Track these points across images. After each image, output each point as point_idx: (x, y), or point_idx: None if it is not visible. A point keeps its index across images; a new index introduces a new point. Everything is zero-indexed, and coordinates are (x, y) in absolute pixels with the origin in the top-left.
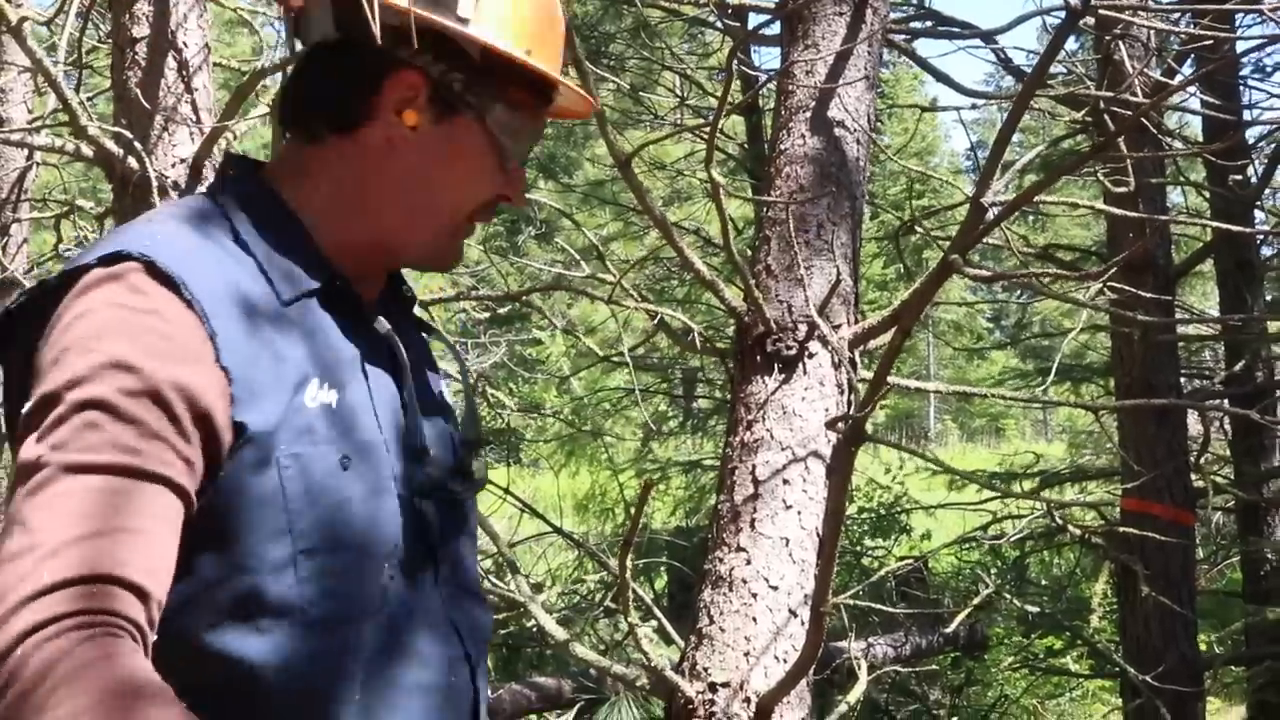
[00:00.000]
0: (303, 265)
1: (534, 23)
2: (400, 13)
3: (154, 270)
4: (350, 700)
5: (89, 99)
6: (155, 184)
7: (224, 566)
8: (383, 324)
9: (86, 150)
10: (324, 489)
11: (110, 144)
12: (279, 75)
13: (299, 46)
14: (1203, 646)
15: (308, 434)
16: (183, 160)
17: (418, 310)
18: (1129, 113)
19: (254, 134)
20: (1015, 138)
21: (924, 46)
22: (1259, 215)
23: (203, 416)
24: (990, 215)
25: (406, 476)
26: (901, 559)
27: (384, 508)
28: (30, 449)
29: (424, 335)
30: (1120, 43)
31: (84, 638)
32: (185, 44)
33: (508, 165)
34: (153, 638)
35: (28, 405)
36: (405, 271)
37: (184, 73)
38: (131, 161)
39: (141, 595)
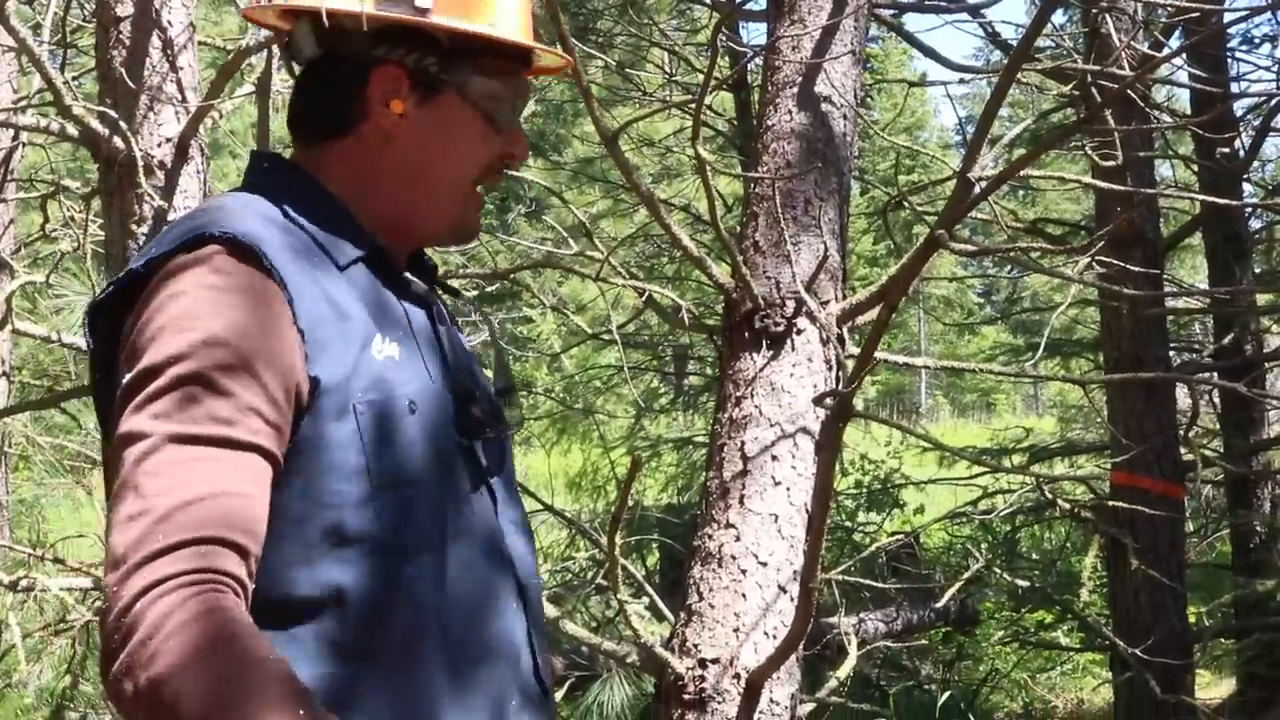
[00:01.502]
0: (348, 236)
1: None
2: (356, 18)
3: (235, 247)
4: (429, 620)
5: (74, 78)
6: (141, 163)
7: (310, 504)
8: (419, 285)
9: (72, 130)
10: (396, 431)
11: (95, 123)
12: (265, 54)
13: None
14: (1192, 619)
15: (379, 383)
16: (168, 139)
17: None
18: (1116, 85)
19: (240, 113)
20: (1004, 112)
21: (911, 21)
22: (1247, 188)
23: (286, 379)
24: (977, 190)
25: (458, 419)
26: (892, 534)
27: (445, 447)
28: (134, 419)
29: (444, 298)
30: (1107, 15)
31: (193, 594)
32: (169, 23)
33: (499, 127)
34: (251, 587)
35: (127, 378)
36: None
37: (169, 52)
38: (117, 141)
39: (242, 553)
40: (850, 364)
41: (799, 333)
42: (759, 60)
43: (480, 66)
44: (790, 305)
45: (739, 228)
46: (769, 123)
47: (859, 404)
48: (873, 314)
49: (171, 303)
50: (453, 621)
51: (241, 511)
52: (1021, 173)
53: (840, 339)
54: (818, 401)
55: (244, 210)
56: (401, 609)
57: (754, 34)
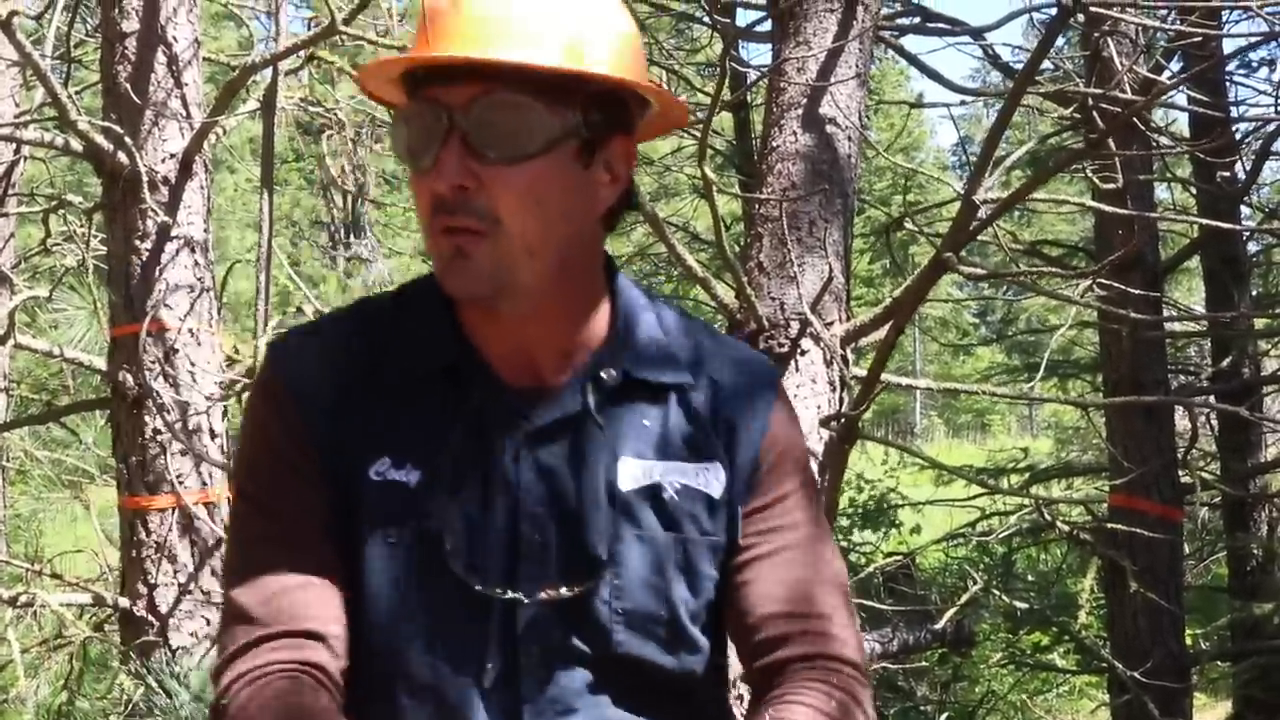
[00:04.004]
0: (433, 349)
1: (422, 24)
2: None
3: (273, 360)
4: None
5: (76, 93)
6: (145, 179)
7: None
8: (500, 414)
9: (76, 145)
10: (366, 558)
11: (100, 138)
12: (269, 70)
13: (286, 41)
14: (1189, 642)
15: (361, 506)
16: (172, 155)
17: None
18: (1118, 110)
19: (242, 129)
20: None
21: (909, 43)
22: (1245, 211)
23: (317, 482)
24: (982, 213)
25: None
26: (889, 555)
27: (423, 591)
28: (230, 526)
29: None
30: (1109, 39)
31: (262, 686)
32: (175, 38)
33: (418, 166)
34: (334, 663)
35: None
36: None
37: (174, 67)
38: (121, 156)
39: (314, 637)
40: (854, 385)
41: (803, 353)
42: (761, 81)
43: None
44: (794, 326)
45: (740, 248)
46: (774, 144)
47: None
48: (876, 335)
49: (245, 418)
50: None
51: (311, 601)
52: (1027, 196)
53: (844, 360)
54: (824, 423)
55: (327, 320)
56: None
57: (754, 54)
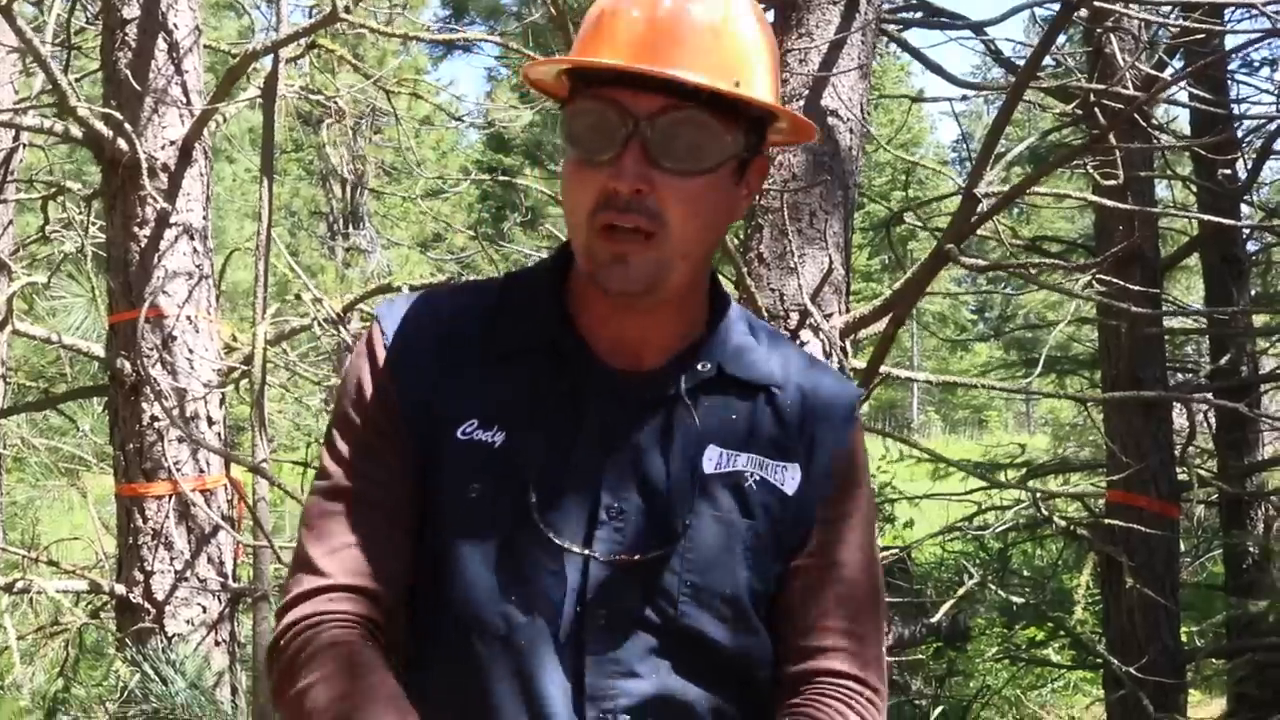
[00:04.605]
0: (536, 327)
1: (580, 32)
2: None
3: (377, 329)
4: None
5: (76, 80)
6: (144, 166)
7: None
8: (595, 389)
9: (76, 131)
10: (447, 512)
11: (100, 125)
12: (270, 58)
13: (287, 28)
14: (1184, 638)
15: (447, 461)
16: (172, 142)
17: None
18: (1120, 106)
19: (241, 119)
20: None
21: (911, 36)
22: (1245, 209)
23: (407, 431)
24: (983, 206)
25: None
26: (885, 549)
27: (502, 545)
28: (317, 475)
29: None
30: (1111, 35)
31: (319, 631)
32: (175, 25)
33: (590, 160)
34: (381, 618)
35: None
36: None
37: (174, 54)
38: (121, 143)
39: (364, 592)
40: (853, 376)
41: (803, 345)
42: None
43: (569, 104)
44: (794, 317)
45: (740, 239)
46: None
47: None
48: (875, 327)
49: (344, 373)
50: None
51: (368, 556)
52: (1028, 190)
53: (844, 351)
54: None
55: (447, 291)
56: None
57: None
